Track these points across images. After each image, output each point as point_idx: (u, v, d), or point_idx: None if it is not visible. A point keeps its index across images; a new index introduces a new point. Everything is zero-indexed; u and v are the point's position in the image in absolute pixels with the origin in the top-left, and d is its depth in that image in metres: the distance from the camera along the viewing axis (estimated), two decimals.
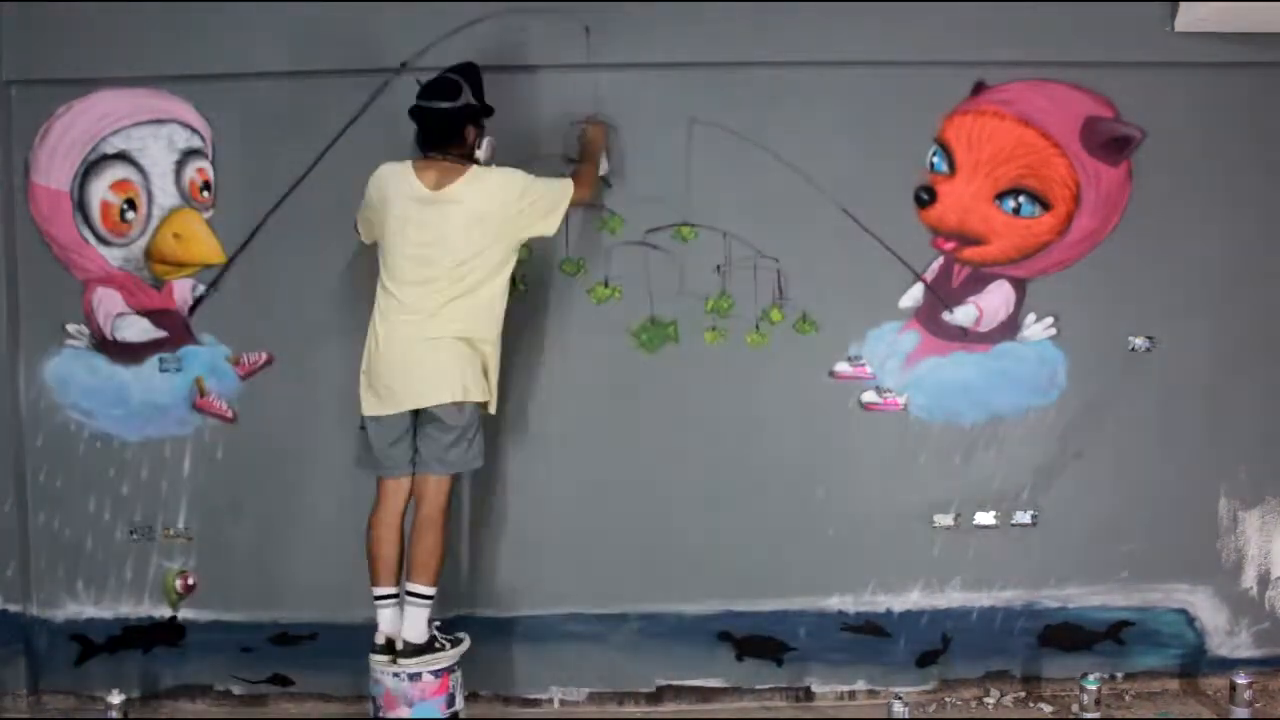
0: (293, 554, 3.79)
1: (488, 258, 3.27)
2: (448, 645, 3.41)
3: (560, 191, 3.36)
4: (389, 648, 3.34)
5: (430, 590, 3.34)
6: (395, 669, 3.32)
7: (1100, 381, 3.79)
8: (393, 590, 3.36)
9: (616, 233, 3.71)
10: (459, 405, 3.27)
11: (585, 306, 3.73)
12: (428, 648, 3.35)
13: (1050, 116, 3.69)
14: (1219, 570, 3.86)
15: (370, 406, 3.31)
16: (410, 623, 3.34)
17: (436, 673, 3.35)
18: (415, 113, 3.28)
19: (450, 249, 3.22)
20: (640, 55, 3.65)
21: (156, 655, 3.85)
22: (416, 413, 3.31)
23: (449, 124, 3.27)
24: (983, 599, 3.83)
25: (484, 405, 3.37)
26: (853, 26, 3.63)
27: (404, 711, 3.32)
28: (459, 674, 3.42)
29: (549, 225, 3.35)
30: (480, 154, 3.34)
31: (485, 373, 3.33)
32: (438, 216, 3.22)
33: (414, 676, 3.32)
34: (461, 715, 3.46)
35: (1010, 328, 3.79)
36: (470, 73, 3.32)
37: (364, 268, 3.70)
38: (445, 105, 3.25)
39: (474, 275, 3.25)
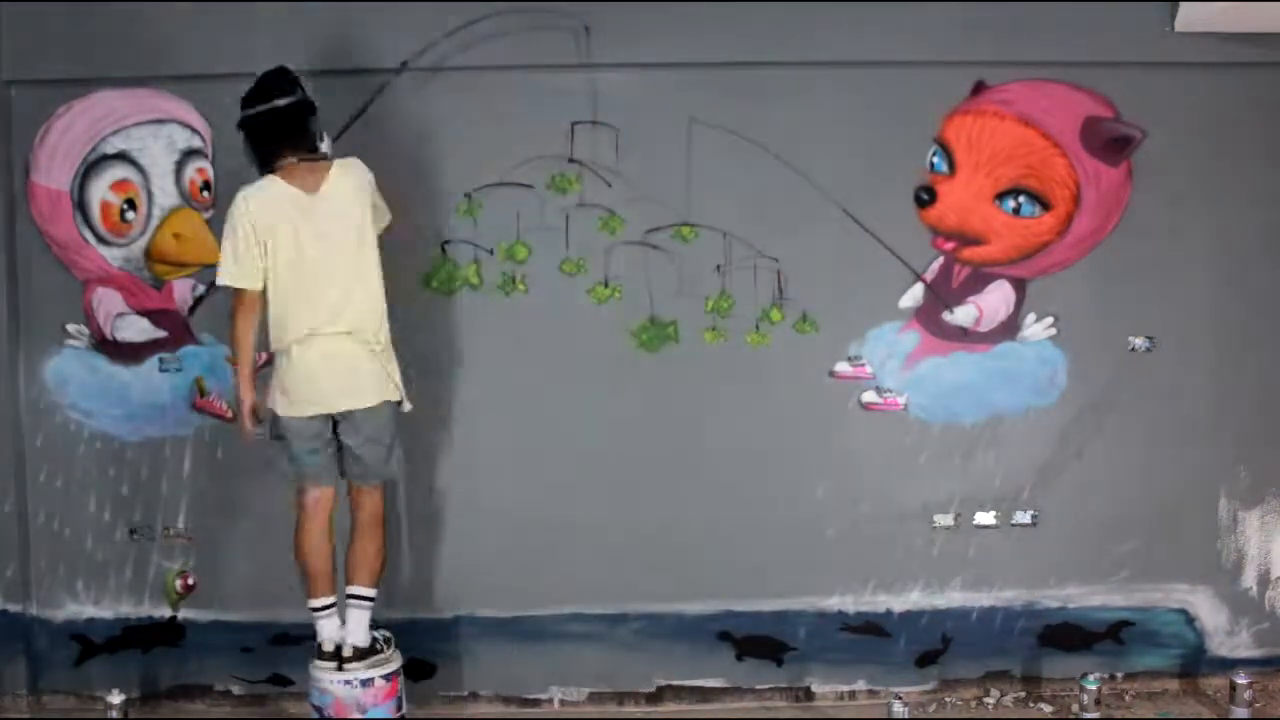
0: (292, 554, 3.77)
1: (372, 251, 3.24)
2: (386, 646, 3.40)
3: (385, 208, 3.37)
4: (335, 655, 3.32)
5: (373, 592, 3.34)
6: (346, 676, 3.30)
7: (1100, 381, 3.79)
8: (332, 599, 3.35)
9: (616, 233, 3.71)
10: (381, 407, 3.28)
11: (585, 306, 3.73)
12: (371, 650, 3.34)
13: (1050, 116, 3.70)
14: (1219, 570, 3.86)
15: (288, 408, 3.24)
16: (355, 626, 3.33)
17: (387, 676, 3.35)
18: (257, 119, 3.18)
19: (344, 247, 3.19)
20: (640, 55, 3.65)
21: (156, 655, 3.85)
22: (335, 423, 3.28)
23: (300, 119, 3.20)
24: (983, 599, 3.83)
25: (399, 404, 3.36)
26: (853, 26, 3.63)
27: (357, 716, 3.31)
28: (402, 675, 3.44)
29: (379, 227, 3.31)
30: (324, 146, 3.27)
31: (391, 370, 3.32)
32: (324, 218, 3.17)
33: (366, 682, 3.30)
34: (408, 717, 3.47)
35: (1010, 328, 3.79)
36: (287, 74, 3.26)
37: None
38: (291, 100, 3.18)
39: (368, 270, 3.23)
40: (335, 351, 3.20)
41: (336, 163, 3.24)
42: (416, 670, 3.79)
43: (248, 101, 3.20)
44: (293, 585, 3.77)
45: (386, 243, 3.67)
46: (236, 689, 3.85)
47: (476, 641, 3.81)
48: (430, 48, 3.59)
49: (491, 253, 3.72)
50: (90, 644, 3.85)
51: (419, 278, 3.72)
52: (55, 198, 3.73)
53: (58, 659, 3.85)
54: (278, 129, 3.18)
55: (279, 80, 3.21)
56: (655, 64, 3.66)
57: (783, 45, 3.65)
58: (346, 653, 3.31)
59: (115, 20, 3.65)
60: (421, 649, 3.79)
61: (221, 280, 3.24)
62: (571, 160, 3.68)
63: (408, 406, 3.36)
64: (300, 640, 3.79)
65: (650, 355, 3.75)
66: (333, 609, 3.36)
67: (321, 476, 3.34)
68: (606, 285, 3.73)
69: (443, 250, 3.71)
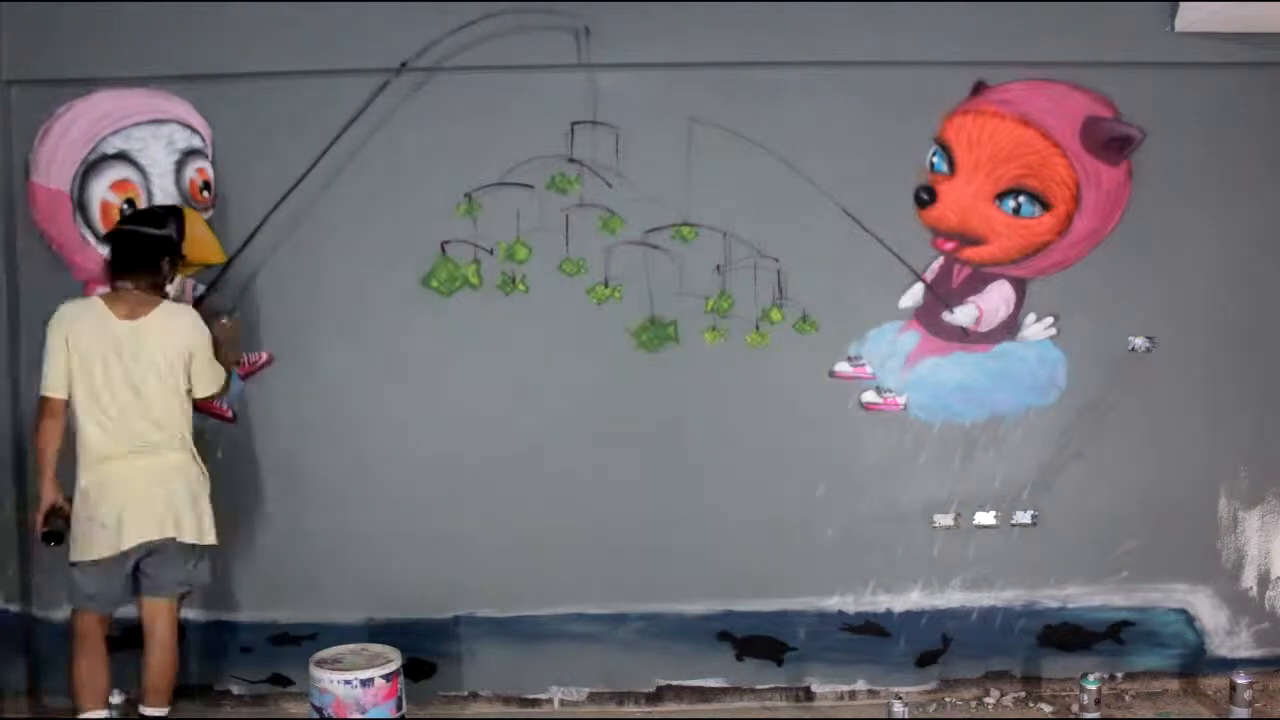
0: (292, 554, 3.79)
1: (181, 388, 3.29)
2: None
3: (217, 375, 3.41)
4: None
5: (167, 711, 3.35)
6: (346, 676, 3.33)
7: (1100, 381, 3.79)
8: (104, 713, 3.30)
9: (616, 233, 3.71)
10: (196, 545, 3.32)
11: (585, 306, 3.73)
12: None
13: (1050, 116, 3.70)
14: (1219, 570, 3.86)
15: (92, 549, 3.19)
16: None
17: (387, 676, 3.37)
18: (117, 236, 3.34)
19: (156, 378, 3.24)
20: (640, 55, 3.65)
21: None
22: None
23: (150, 251, 3.32)
24: (983, 599, 3.83)
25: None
26: (853, 26, 3.63)
27: (357, 716, 3.33)
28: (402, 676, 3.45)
29: (200, 389, 3.36)
30: (171, 289, 3.38)
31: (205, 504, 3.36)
32: (138, 347, 3.22)
33: (367, 682, 3.32)
34: (408, 717, 3.49)
35: (1010, 328, 3.79)
36: (178, 214, 3.45)
37: (363, 268, 3.72)
38: (152, 231, 3.34)
39: (176, 402, 3.28)
40: (143, 475, 3.23)
41: (164, 303, 3.30)
42: (416, 670, 3.79)
43: (125, 220, 3.44)
44: (293, 585, 3.81)
45: (386, 243, 3.70)
46: (236, 689, 3.85)
47: (476, 641, 3.81)
48: (430, 48, 3.59)
49: (491, 253, 3.72)
50: None
51: (419, 278, 3.72)
52: (55, 198, 3.73)
53: (58, 659, 3.84)
54: (132, 253, 3.31)
55: (157, 214, 3.42)
56: (655, 64, 3.66)
57: (783, 45, 3.65)
58: None
59: (115, 20, 3.65)
60: (421, 649, 3.79)
61: (39, 390, 3.28)
62: (571, 160, 3.68)
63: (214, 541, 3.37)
64: (300, 640, 3.80)
65: (650, 355, 3.75)
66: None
67: (116, 603, 3.31)
68: (606, 285, 3.73)
69: (443, 250, 3.72)
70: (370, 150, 3.67)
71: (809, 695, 3.86)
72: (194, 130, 3.72)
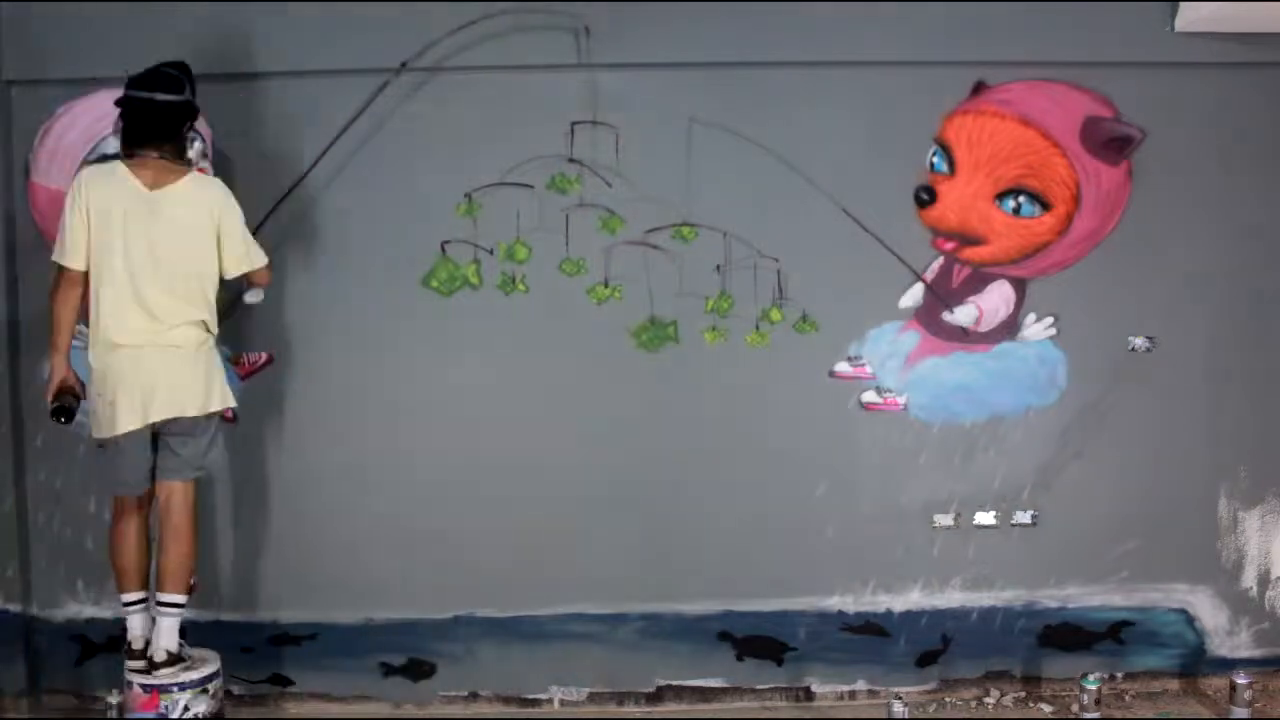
0: (292, 554, 3.79)
1: (210, 260, 3.23)
2: (192, 656, 3.39)
3: (253, 253, 3.33)
4: (144, 654, 3.31)
5: (183, 599, 3.32)
6: (152, 680, 3.28)
7: (1100, 381, 3.79)
8: (143, 595, 3.34)
9: (616, 233, 3.71)
10: (207, 415, 3.29)
11: (585, 306, 3.73)
12: (178, 658, 3.32)
13: (1050, 116, 3.69)
14: (1219, 570, 3.86)
15: (117, 424, 3.16)
16: (166, 632, 3.30)
17: (147, 687, 3.30)
18: (129, 104, 3.18)
19: (177, 249, 3.16)
20: (640, 55, 3.65)
21: None
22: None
23: (169, 118, 3.19)
24: (983, 599, 3.83)
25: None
26: (853, 26, 3.63)
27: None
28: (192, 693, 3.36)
29: (232, 267, 3.28)
30: (191, 154, 3.29)
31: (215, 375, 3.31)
32: (162, 216, 3.14)
33: (166, 689, 3.29)
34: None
35: (1010, 328, 3.79)
36: (188, 71, 3.28)
37: (363, 267, 3.72)
38: (169, 98, 3.17)
39: (202, 275, 3.21)
40: (158, 351, 3.17)
41: (191, 174, 3.23)
42: (416, 670, 3.79)
43: (132, 84, 3.19)
44: (293, 585, 3.80)
45: (386, 243, 3.70)
46: (236, 689, 3.85)
47: (476, 641, 3.80)
48: (430, 48, 3.59)
49: (491, 253, 3.72)
50: (90, 644, 3.85)
51: (419, 278, 3.72)
52: (55, 198, 3.72)
53: (58, 659, 3.85)
54: (149, 122, 3.18)
55: (169, 76, 3.20)
56: (655, 64, 3.66)
57: (783, 45, 3.65)
58: (157, 656, 3.28)
59: (115, 20, 3.65)
60: (421, 649, 3.80)
61: (54, 257, 3.19)
62: (571, 160, 3.68)
63: (232, 403, 3.37)
64: (300, 640, 3.80)
65: (650, 355, 3.75)
66: (142, 605, 3.35)
67: (143, 483, 3.30)
68: (606, 285, 3.73)
69: (443, 250, 3.71)
70: (370, 150, 3.67)
71: (809, 695, 3.86)
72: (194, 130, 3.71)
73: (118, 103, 3.22)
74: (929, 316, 3.78)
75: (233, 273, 3.31)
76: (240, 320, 3.73)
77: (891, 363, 3.77)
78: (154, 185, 3.16)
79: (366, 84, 3.62)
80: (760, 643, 3.82)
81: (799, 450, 3.78)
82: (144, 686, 3.29)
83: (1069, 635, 3.85)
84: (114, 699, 3.59)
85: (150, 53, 3.63)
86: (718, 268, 3.73)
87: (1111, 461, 3.80)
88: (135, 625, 3.35)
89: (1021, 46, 3.66)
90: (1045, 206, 3.73)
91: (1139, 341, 3.79)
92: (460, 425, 3.75)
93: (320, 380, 3.75)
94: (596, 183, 3.69)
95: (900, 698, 3.58)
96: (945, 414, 3.79)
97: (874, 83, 3.68)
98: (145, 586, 3.36)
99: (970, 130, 3.71)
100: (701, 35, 3.64)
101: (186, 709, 3.31)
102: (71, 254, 3.15)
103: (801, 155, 3.67)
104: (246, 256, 3.32)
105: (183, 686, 3.31)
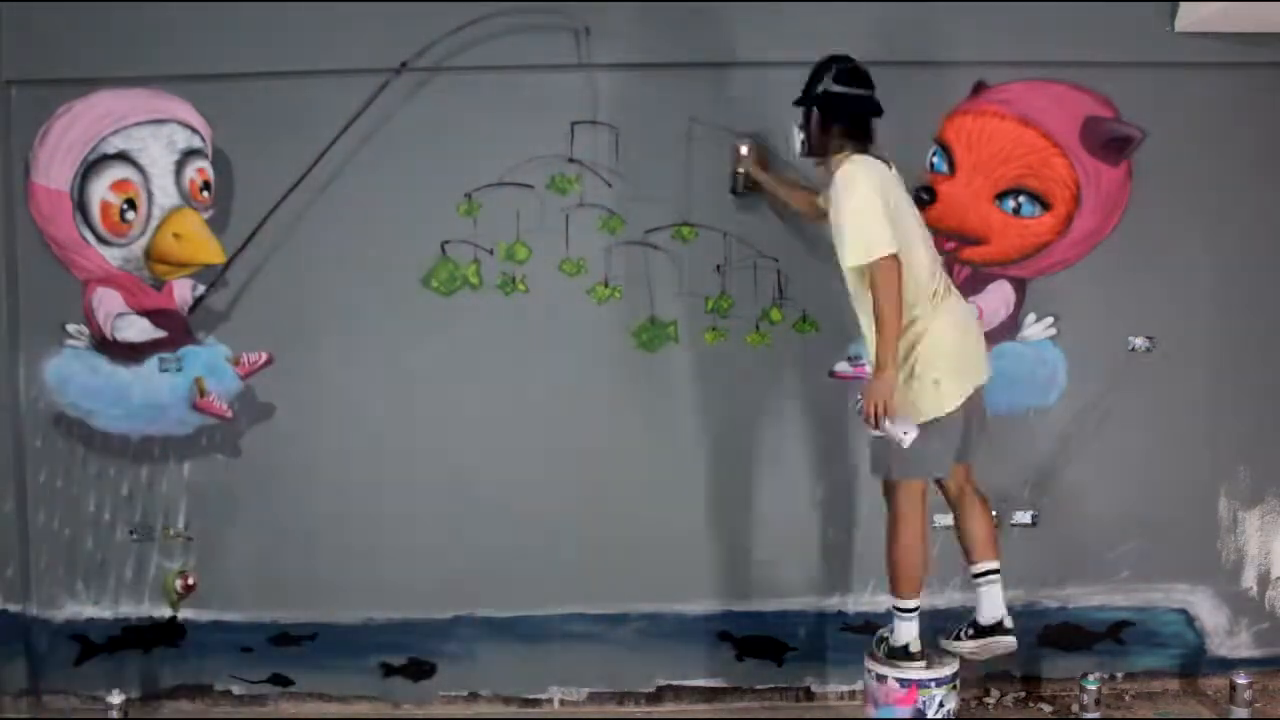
0: (292, 554, 3.79)
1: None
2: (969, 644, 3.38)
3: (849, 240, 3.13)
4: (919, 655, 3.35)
5: (998, 564, 3.38)
6: (910, 675, 3.32)
7: (1100, 381, 3.79)
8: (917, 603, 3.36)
9: (616, 233, 3.71)
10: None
11: (585, 306, 3.73)
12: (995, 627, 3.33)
13: (1050, 116, 3.69)
14: (1219, 570, 3.86)
15: (956, 397, 3.18)
16: (993, 601, 3.35)
17: (905, 682, 3.34)
18: (858, 101, 3.20)
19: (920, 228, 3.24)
20: (640, 55, 3.65)
21: (156, 655, 3.85)
22: None
23: (878, 114, 3.24)
24: None
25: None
26: (852, 26, 3.63)
27: (870, 711, 3.41)
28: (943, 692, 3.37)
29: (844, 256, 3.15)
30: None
31: None
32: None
33: (924, 684, 3.31)
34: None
35: (1010, 328, 3.79)
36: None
37: (363, 268, 3.72)
38: (868, 94, 3.22)
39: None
40: (972, 322, 3.29)
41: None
42: (416, 670, 3.79)
43: (845, 77, 3.19)
44: (293, 585, 3.80)
45: (386, 243, 3.70)
46: (236, 689, 3.85)
47: (476, 641, 3.80)
48: (430, 48, 3.59)
49: (491, 253, 3.72)
50: (90, 644, 3.85)
51: (419, 278, 3.71)
52: (55, 198, 3.73)
53: (58, 659, 3.85)
54: (871, 119, 3.22)
55: (863, 74, 3.23)
56: (655, 64, 3.66)
57: (782, 45, 3.64)
58: (986, 621, 3.31)
59: (115, 20, 3.65)
60: (421, 649, 3.80)
61: (875, 253, 3.02)
62: (571, 160, 3.68)
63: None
64: (300, 640, 3.80)
65: (650, 355, 3.75)
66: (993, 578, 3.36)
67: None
68: (606, 285, 3.73)
69: (443, 250, 3.71)
70: (370, 150, 3.67)
71: (809, 695, 3.86)
72: (194, 130, 3.72)
73: (826, 98, 3.21)
74: None
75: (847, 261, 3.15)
76: (240, 320, 3.74)
77: None
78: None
79: (366, 84, 3.62)
80: (760, 643, 3.82)
81: (799, 450, 3.78)
82: (901, 681, 3.31)
83: (1069, 635, 3.85)
84: (114, 698, 3.59)
85: (151, 53, 3.65)
86: (718, 268, 3.73)
87: (1111, 461, 3.80)
88: (911, 630, 3.33)
89: (1021, 46, 3.66)
90: (1045, 206, 3.73)
91: (1139, 341, 3.79)
92: (460, 425, 3.75)
93: (320, 380, 3.75)
94: (596, 183, 3.69)
95: None
96: None
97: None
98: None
99: (970, 130, 3.71)
100: (701, 35, 3.64)
101: (941, 705, 3.33)
102: (891, 238, 3.03)
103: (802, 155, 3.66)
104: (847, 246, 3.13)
105: (939, 682, 3.33)
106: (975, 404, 3.29)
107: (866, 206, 3.04)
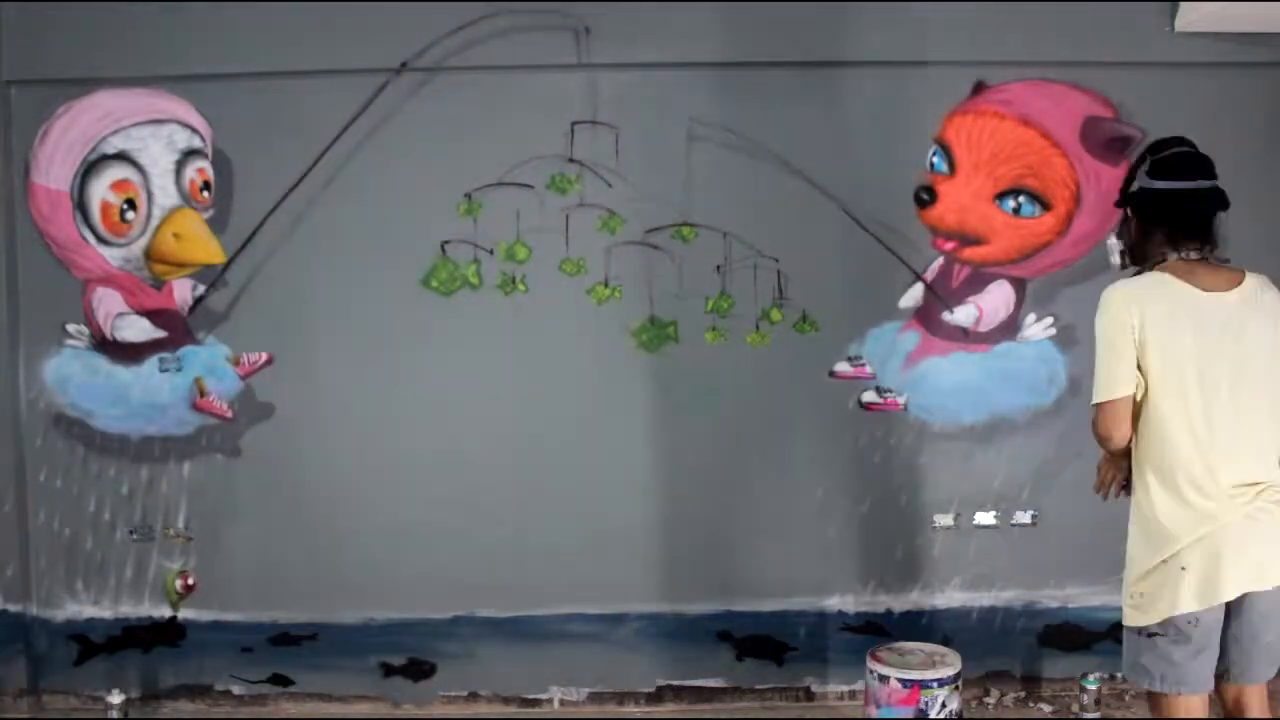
0: (292, 554, 3.79)
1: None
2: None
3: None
4: None
5: None
6: (913, 675, 3.31)
7: None
8: None
9: (616, 233, 3.71)
10: None
11: (585, 306, 3.73)
12: None
13: (1050, 116, 3.69)
14: None
15: (1189, 602, 2.51)
16: None
17: (907, 683, 3.36)
18: (1165, 196, 2.52)
19: (1261, 375, 2.46)
20: (640, 55, 3.65)
21: (156, 655, 3.85)
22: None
23: (1212, 209, 2.53)
24: (983, 599, 3.83)
25: None
26: (853, 26, 3.63)
27: (872, 711, 3.43)
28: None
29: None
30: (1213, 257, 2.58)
31: None
32: (1240, 332, 2.46)
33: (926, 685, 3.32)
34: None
35: (1010, 328, 3.79)
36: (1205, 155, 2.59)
37: (363, 267, 3.72)
38: (1210, 185, 2.52)
39: (1271, 411, 2.47)
40: (1254, 502, 2.43)
41: (1250, 273, 2.58)
42: (416, 670, 3.79)
43: (1175, 171, 2.50)
44: (293, 585, 3.80)
45: (386, 243, 3.70)
46: (236, 689, 3.85)
47: (476, 641, 3.80)
48: (430, 48, 3.59)
49: (491, 253, 3.72)
50: (90, 644, 3.85)
51: (419, 278, 3.72)
52: (55, 198, 3.73)
53: (58, 659, 3.85)
54: (1202, 214, 2.53)
55: (1199, 158, 2.53)
56: (655, 64, 3.66)
57: (782, 45, 3.65)
58: None
59: (115, 20, 3.65)
60: (421, 649, 3.80)
61: (1098, 398, 2.53)
62: (571, 160, 3.68)
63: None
64: (300, 640, 3.81)
65: (650, 355, 3.75)
66: None
67: (1205, 683, 2.54)
68: (606, 285, 3.73)
69: (443, 250, 3.72)
70: (370, 150, 3.67)
71: (809, 695, 3.86)
72: (194, 130, 3.72)
73: (1139, 196, 2.56)
74: (929, 317, 3.78)
75: None
76: (240, 320, 3.74)
77: (891, 363, 3.77)
78: (1212, 288, 2.51)
79: (366, 84, 3.62)
80: (760, 643, 3.82)
81: (799, 450, 3.78)
82: (903, 682, 3.32)
83: (1069, 635, 3.85)
84: (114, 698, 3.59)
85: (151, 53, 3.66)
86: (718, 268, 3.73)
87: None
88: None
89: (1021, 46, 3.66)
90: (1045, 206, 3.73)
91: None
92: (460, 425, 3.75)
93: (320, 380, 3.75)
94: (596, 183, 3.69)
95: None
96: (945, 414, 3.79)
97: (874, 83, 3.68)
98: None
99: (970, 130, 3.71)
100: (701, 35, 3.64)
101: (944, 705, 3.33)
102: (1128, 380, 2.48)
103: (801, 155, 3.66)
104: None
105: (941, 682, 3.32)
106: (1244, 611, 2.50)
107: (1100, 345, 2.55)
